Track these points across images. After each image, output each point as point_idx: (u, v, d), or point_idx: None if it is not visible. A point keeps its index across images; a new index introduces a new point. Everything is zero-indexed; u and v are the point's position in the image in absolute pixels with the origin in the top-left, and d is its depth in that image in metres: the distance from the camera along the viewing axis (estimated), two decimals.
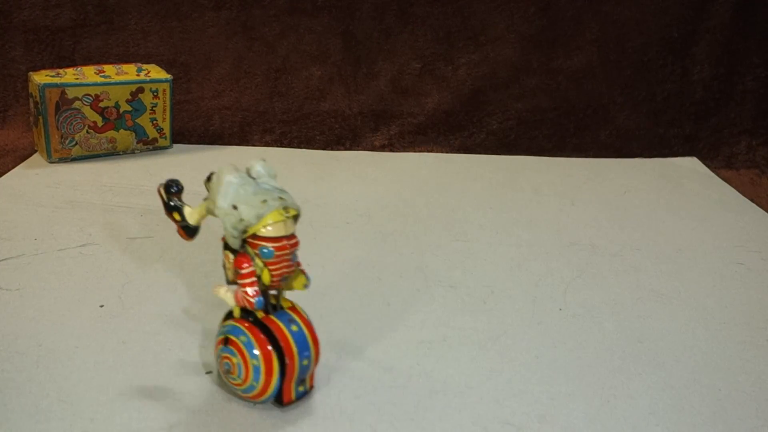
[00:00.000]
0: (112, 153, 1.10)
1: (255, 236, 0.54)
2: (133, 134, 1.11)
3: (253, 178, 0.56)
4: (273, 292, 0.57)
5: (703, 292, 0.82)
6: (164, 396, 0.59)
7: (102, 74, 1.07)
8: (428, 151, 1.24)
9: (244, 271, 0.54)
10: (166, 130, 1.13)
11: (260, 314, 0.56)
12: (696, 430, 0.59)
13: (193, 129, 1.21)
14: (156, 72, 1.11)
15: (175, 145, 1.17)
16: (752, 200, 1.10)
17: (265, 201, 0.54)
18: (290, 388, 0.57)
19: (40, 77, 1.03)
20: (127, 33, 1.21)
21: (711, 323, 0.75)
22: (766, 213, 1.06)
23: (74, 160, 1.07)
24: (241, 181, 0.55)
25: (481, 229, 0.94)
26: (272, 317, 0.56)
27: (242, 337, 0.55)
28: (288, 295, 0.59)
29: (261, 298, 0.55)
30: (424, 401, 0.60)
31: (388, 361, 0.65)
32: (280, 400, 0.57)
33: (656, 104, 1.29)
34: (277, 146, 1.21)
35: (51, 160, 1.05)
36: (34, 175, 1.01)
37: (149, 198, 0.96)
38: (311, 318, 0.58)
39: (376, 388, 0.61)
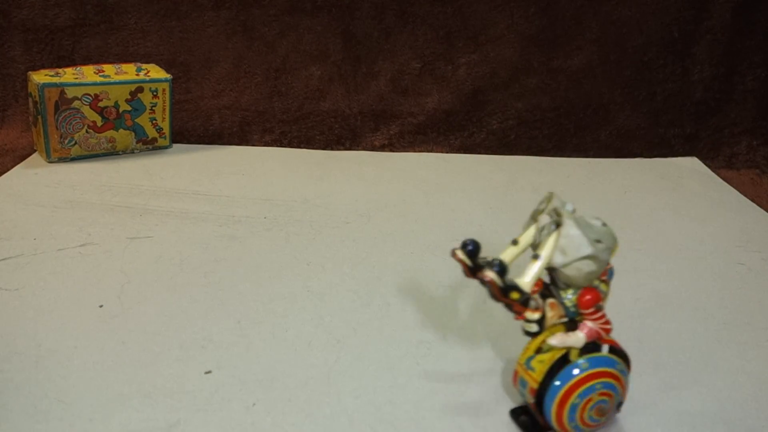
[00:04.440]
0: (112, 153, 1.10)
1: None
2: (133, 134, 1.10)
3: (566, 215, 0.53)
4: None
5: (703, 292, 0.81)
6: (164, 396, 0.59)
7: (101, 74, 1.07)
8: (428, 151, 1.24)
9: (601, 304, 0.54)
10: (166, 130, 1.13)
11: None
12: (696, 430, 0.59)
13: (192, 129, 1.21)
14: (155, 72, 1.11)
15: (174, 145, 1.17)
16: (752, 200, 1.10)
17: (598, 241, 0.52)
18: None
19: (40, 77, 1.02)
20: (127, 33, 1.21)
21: (711, 323, 0.75)
22: (766, 213, 1.05)
23: (73, 159, 1.07)
24: (578, 225, 0.52)
25: (481, 229, 0.94)
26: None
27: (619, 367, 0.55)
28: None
29: None
30: (424, 401, 0.60)
31: (388, 361, 0.65)
32: None
33: (656, 104, 1.29)
34: (277, 146, 1.21)
35: (50, 160, 1.05)
36: (34, 175, 1.01)
37: (149, 198, 0.96)
38: None
39: (376, 388, 0.61)
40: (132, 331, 0.67)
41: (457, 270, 0.82)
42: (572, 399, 0.53)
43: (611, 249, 0.52)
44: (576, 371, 0.53)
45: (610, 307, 0.76)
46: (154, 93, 1.10)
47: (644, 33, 1.26)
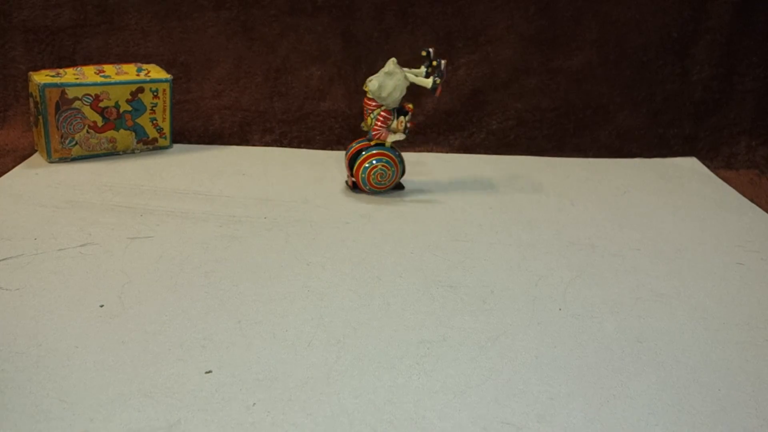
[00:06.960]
0: (112, 153, 1.10)
1: None
2: (133, 134, 1.11)
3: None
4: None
5: (703, 292, 0.82)
6: (164, 396, 0.59)
7: (102, 74, 1.07)
8: (428, 151, 1.24)
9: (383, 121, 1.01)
10: (166, 130, 1.13)
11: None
12: (696, 430, 0.59)
13: (193, 129, 1.21)
14: (156, 72, 1.11)
15: (175, 145, 1.17)
16: (752, 200, 1.10)
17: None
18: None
19: (40, 77, 1.03)
20: (127, 33, 1.21)
21: (711, 323, 0.75)
22: (765, 213, 1.06)
23: (74, 160, 1.07)
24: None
25: (481, 229, 0.94)
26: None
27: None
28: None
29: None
30: (424, 401, 0.60)
31: (388, 361, 0.65)
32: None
33: (656, 104, 1.29)
34: (277, 146, 1.21)
35: (51, 160, 1.05)
36: (34, 175, 1.01)
37: (150, 198, 0.96)
38: None
39: (376, 388, 0.62)
40: (132, 330, 0.67)
41: (457, 270, 0.83)
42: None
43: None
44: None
45: (609, 306, 0.77)
46: (155, 93, 1.10)
47: (643, 33, 1.26)
